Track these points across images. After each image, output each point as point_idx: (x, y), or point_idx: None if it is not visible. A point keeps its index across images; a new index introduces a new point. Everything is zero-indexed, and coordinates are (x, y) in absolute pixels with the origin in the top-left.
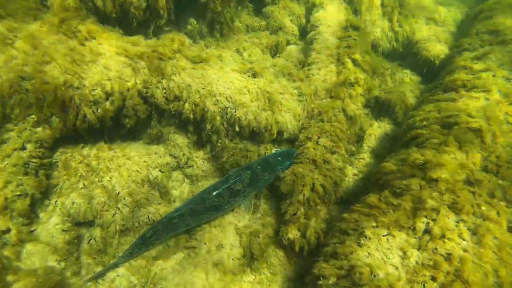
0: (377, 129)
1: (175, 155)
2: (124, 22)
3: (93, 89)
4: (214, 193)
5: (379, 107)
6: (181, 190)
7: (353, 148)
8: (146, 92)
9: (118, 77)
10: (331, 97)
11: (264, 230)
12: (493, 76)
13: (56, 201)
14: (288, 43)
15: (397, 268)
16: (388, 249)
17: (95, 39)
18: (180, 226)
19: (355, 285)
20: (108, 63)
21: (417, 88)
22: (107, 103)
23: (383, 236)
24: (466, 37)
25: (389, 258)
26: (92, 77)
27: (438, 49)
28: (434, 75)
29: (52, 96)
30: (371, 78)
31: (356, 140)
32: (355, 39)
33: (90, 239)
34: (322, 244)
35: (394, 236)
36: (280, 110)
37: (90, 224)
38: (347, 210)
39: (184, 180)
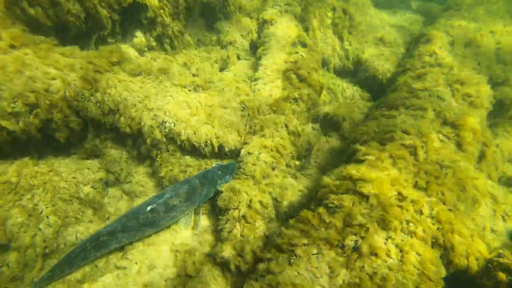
0: (325, 145)
1: (113, 171)
2: (62, 32)
3: (13, 101)
4: (148, 208)
5: (328, 123)
6: (118, 206)
7: (297, 163)
8: (77, 106)
9: (45, 89)
10: (274, 112)
11: (201, 248)
12: (429, 96)
13: None
14: (238, 58)
15: (324, 287)
16: (317, 268)
17: (21, 48)
18: (111, 244)
19: None
20: (34, 74)
21: (365, 105)
22: (31, 116)
23: (313, 254)
24: (411, 58)
25: (317, 277)
26: (13, 89)
27: (386, 68)
28: (382, 92)
29: None
30: (318, 94)
31: (304, 155)
32: (302, 56)
33: (1, 266)
34: (259, 259)
35: (323, 255)
36: (221, 125)
37: (3, 248)
38: (286, 225)
39: (122, 197)
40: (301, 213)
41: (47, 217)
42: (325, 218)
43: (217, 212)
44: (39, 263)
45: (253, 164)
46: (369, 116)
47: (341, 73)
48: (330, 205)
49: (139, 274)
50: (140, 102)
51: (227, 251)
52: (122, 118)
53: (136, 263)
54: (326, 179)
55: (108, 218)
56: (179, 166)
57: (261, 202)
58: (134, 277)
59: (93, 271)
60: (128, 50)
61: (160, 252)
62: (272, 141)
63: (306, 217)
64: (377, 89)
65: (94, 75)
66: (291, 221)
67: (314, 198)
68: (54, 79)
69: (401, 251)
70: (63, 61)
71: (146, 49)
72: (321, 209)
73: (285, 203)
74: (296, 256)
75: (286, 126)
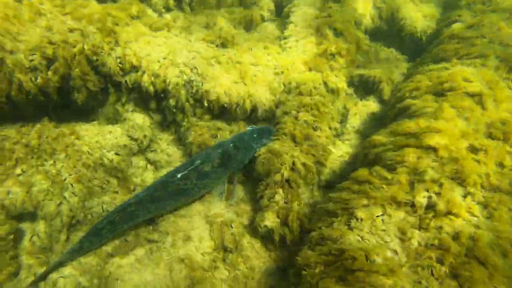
0: (362, 108)
1: (135, 137)
2: None
3: (31, 54)
4: (179, 176)
5: (363, 85)
6: (143, 177)
7: (337, 125)
8: (97, 60)
9: (63, 41)
10: (310, 70)
11: (238, 219)
12: (489, 42)
13: None
14: (263, 19)
15: (396, 252)
16: (384, 230)
17: None
18: (139, 216)
19: (347, 272)
20: (51, 25)
21: (404, 66)
22: (49, 71)
23: (377, 216)
24: (455, 10)
25: (386, 241)
26: (30, 40)
27: (425, 24)
28: (420, 52)
29: None
30: (357, 49)
31: (340, 120)
32: (336, 9)
33: (32, 236)
34: (307, 230)
35: (390, 216)
36: (254, 83)
37: (32, 216)
38: (334, 190)
39: (146, 167)
40: (355, 173)
41: (71, 185)
42: (386, 175)
43: (253, 180)
44: (64, 235)
45: (293, 124)
46: (412, 74)
47: (374, 34)
48: (389, 162)
49: (174, 246)
50: (164, 58)
51: (270, 220)
52: (145, 76)
53: (169, 235)
54: (377, 138)
55: (134, 190)
56: (209, 131)
57: (304, 165)
58: (168, 250)
59: (123, 244)
60: (144, 7)
61: (194, 223)
62: (311, 99)
63: (362, 176)
64: (415, 48)
65: (113, 27)
66: (342, 184)
67: (363, 159)
68: (71, 30)
69: (485, 207)
70: (81, 12)
71: (164, 10)
72: (378, 168)
73: (326, 170)
74: (356, 219)
75: (325, 83)
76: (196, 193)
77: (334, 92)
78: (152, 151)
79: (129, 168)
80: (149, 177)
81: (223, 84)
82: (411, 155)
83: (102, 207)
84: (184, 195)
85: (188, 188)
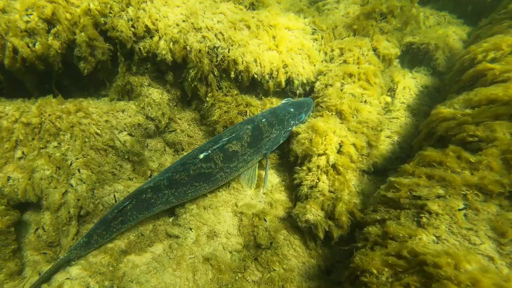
0: (412, 81)
1: (152, 116)
2: None
3: (27, 13)
4: (201, 156)
5: (413, 54)
6: (161, 161)
7: (389, 99)
8: (105, 23)
9: None
10: (355, 34)
11: (272, 211)
12: None
13: None
14: None
15: (492, 258)
16: (470, 229)
17: None
18: (155, 204)
19: (429, 283)
20: None
21: (463, 30)
22: (49, 36)
23: (459, 210)
24: None
25: (473, 243)
26: None
27: None
28: (482, 14)
29: None
30: (412, 3)
31: (387, 95)
32: None
33: (37, 228)
34: (359, 224)
35: (478, 210)
36: (290, 51)
37: (37, 207)
38: (393, 174)
39: (165, 150)
40: (422, 153)
41: (79, 170)
42: (468, 157)
43: (290, 163)
44: (74, 227)
45: (338, 97)
46: (479, 36)
47: None
48: (469, 139)
49: (197, 243)
50: (184, 21)
51: (313, 213)
52: (161, 42)
53: (192, 230)
54: (446, 110)
55: (150, 176)
56: (237, 107)
57: (354, 145)
58: (190, 248)
59: (139, 239)
60: None
61: (220, 216)
62: (358, 67)
63: (432, 157)
64: (474, 10)
65: None
66: (405, 167)
67: (427, 136)
68: None
69: None
70: None
71: None
72: (454, 148)
73: (375, 151)
74: (429, 213)
75: (374, 49)
76: (222, 178)
77: (385, 59)
78: (171, 131)
79: (145, 151)
80: (168, 161)
81: (253, 52)
82: (503, 130)
83: (115, 196)
84: (208, 181)
85: (212, 172)
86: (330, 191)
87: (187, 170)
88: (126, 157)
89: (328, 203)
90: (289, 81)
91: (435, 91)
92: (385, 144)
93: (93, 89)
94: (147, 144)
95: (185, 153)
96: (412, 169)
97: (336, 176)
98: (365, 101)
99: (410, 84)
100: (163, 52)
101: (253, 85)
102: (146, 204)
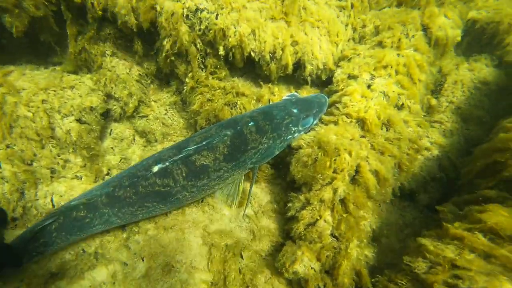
0: (467, 74)
1: (116, 96)
2: None
3: None
4: (156, 169)
5: (473, 36)
6: (126, 155)
7: (434, 102)
8: None
9: None
10: (399, 4)
11: (254, 244)
12: None
13: None
14: None
15: None
16: None
17: None
18: (92, 224)
19: None
20: None
21: None
22: None
23: None
24: None
25: None
26: None
27: None
28: None
29: None
30: None
31: (432, 90)
32: None
33: None
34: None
35: None
36: (303, 22)
37: None
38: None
39: (134, 139)
40: (478, 210)
41: None
42: None
43: (285, 181)
44: None
45: (363, 97)
46: None
47: None
48: None
49: (147, 279)
50: None
51: (304, 263)
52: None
53: (143, 260)
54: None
55: (108, 174)
56: (224, 95)
57: (376, 174)
58: (138, 284)
59: (78, 260)
60: None
61: (185, 242)
62: (398, 54)
63: (500, 223)
64: None
65: None
66: (449, 227)
67: (483, 174)
68: None
69: None
70: None
71: None
72: None
73: (404, 174)
74: None
75: (425, 29)
76: (186, 199)
77: (438, 45)
78: (141, 117)
79: (104, 141)
80: (136, 154)
81: (250, 20)
82: None
83: (52, 199)
84: (165, 201)
85: (170, 191)
86: (333, 236)
87: (134, 186)
88: (73, 149)
89: (328, 254)
90: (299, 64)
91: (499, 91)
92: (420, 159)
93: (41, 56)
94: (111, 130)
95: (159, 146)
96: (460, 234)
97: (343, 215)
98: (402, 105)
99: (464, 77)
100: (123, 12)
101: (250, 65)
102: (79, 224)
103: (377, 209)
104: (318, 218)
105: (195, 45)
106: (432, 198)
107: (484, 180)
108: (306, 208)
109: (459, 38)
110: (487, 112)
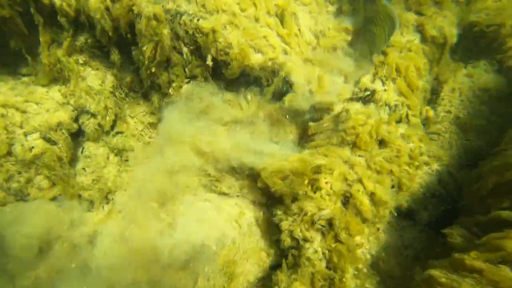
0: (465, 81)
1: (92, 111)
2: None
3: None
4: None
5: (471, 40)
6: (100, 175)
7: (431, 112)
8: None
9: None
10: None
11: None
12: None
13: None
14: None
15: None
16: None
17: None
18: None
19: None
20: None
21: None
22: None
23: None
24: None
25: None
26: None
27: None
28: None
29: None
30: None
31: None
32: None
33: None
34: None
35: None
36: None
37: None
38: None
39: (108, 158)
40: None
41: None
42: None
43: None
44: None
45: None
46: None
47: None
48: None
49: None
50: None
51: None
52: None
53: None
54: None
55: (79, 196)
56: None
57: (371, 196)
58: None
59: None
60: None
61: None
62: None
63: None
64: None
65: None
66: (463, 257)
67: (494, 193)
68: None
69: None
70: None
71: None
72: None
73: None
74: None
75: (421, 30)
76: None
77: (437, 45)
78: (118, 133)
79: (76, 162)
80: (112, 174)
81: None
82: None
83: None
84: None
85: None
86: (327, 267)
87: None
88: (35, 170)
89: (323, 285)
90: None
91: (500, 98)
92: (418, 174)
93: (11, 65)
94: (83, 149)
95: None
96: (478, 266)
97: (334, 245)
98: (400, 118)
99: (462, 85)
100: (98, 16)
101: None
102: None
103: (374, 233)
104: (305, 242)
105: (179, 51)
106: (431, 216)
107: (496, 200)
108: (292, 225)
109: (455, 39)
110: (488, 121)
